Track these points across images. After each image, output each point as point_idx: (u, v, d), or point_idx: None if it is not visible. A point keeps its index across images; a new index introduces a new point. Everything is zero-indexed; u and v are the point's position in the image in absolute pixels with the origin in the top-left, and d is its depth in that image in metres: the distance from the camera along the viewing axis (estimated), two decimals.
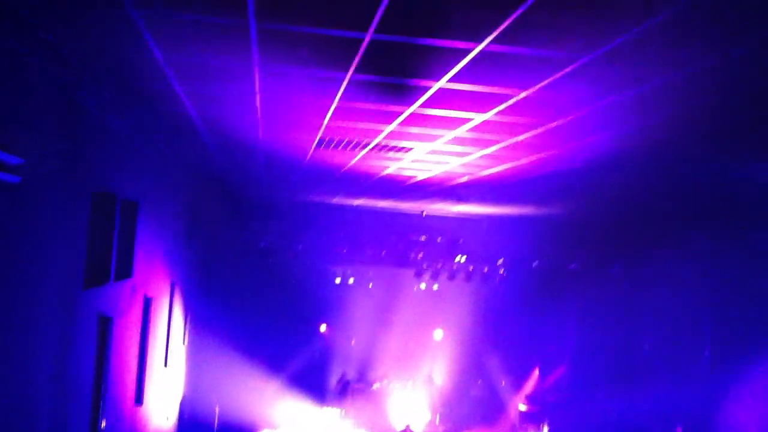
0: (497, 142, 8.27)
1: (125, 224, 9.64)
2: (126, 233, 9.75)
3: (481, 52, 4.78)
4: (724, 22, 4.05)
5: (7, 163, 5.04)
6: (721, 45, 4.43)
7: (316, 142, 9.17)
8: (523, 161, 9.51)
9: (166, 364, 14.79)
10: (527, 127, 7.32)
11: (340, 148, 9.50)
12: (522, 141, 8.03)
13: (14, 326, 5.86)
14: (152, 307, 12.34)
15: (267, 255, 20.37)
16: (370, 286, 22.14)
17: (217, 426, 19.67)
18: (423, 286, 21.62)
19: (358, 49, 4.90)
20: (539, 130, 7.40)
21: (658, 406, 17.73)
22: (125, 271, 9.96)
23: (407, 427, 21.21)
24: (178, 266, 15.55)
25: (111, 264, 9.04)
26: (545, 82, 5.47)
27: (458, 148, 8.93)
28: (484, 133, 7.80)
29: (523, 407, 22.15)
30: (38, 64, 5.93)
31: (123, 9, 4.41)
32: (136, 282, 10.77)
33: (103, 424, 9.10)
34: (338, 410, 21.83)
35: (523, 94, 5.92)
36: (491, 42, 4.57)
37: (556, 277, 21.02)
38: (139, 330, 11.54)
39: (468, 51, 4.81)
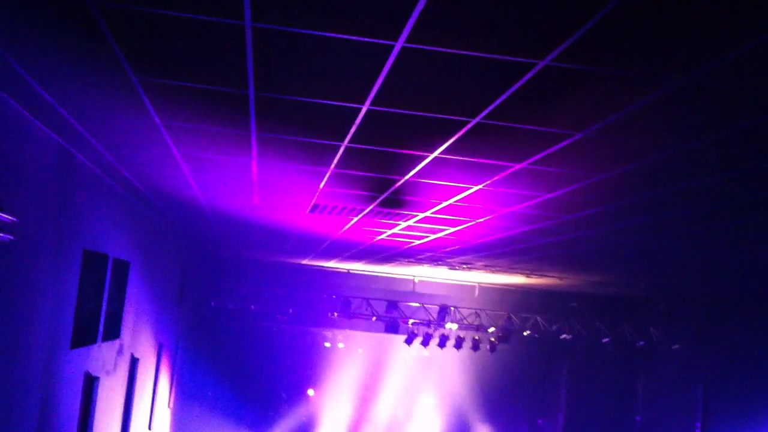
0: (491, 212, 8.33)
1: (116, 284, 9.60)
2: (116, 293, 9.71)
3: (476, 125, 4.86)
4: (723, 101, 4.13)
5: (0, 221, 5.04)
6: (723, 122, 4.52)
7: (310, 207, 9.22)
8: (515, 231, 9.56)
9: (150, 427, 14.55)
10: (521, 199, 7.38)
11: (334, 213, 9.54)
12: (515, 211, 8.08)
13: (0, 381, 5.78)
14: (139, 368, 12.20)
15: (257, 318, 20.24)
16: (360, 352, 21.95)
17: None
18: (414, 353, 21.44)
19: (354, 119, 4.97)
20: (532, 202, 7.46)
21: None
22: (113, 331, 9.88)
23: None
24: (166, 328, 15.42)
25: (99, 323, 8.97)
26: (539, 155, 5.53)
27: (452, 217, 8.99)
28: (478, 204, 7.85)
29: None
30: (36, 123, 5.99)
31: (125, 74, 4.48)
32: (123, 342, 10.67)
33: None
34: None
35: (516, 167, 5.99)
36: (486, 117, 4.64)
37: (547, 347, 20.89)
38: (125, 391, 11.38)
39: (463, 124, 4.88)
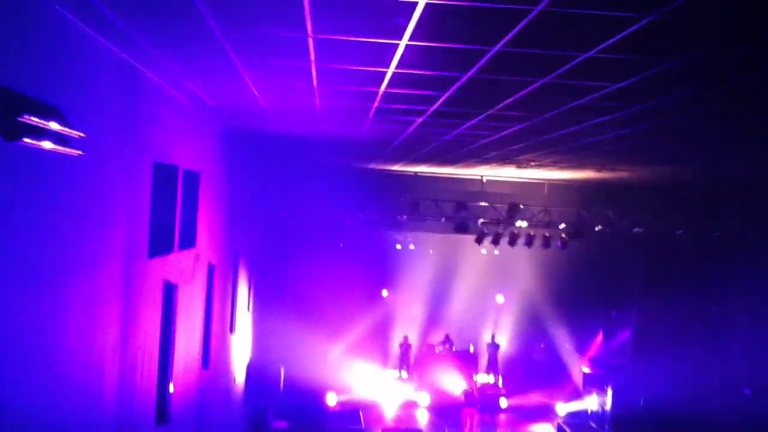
0: (558, 106, 8.10)
1: (188, 194, 9.78)
2: (188, 203, 9.90)
3: (539, 13, 4.65)
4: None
5: (70, 138, 5.13)
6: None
7: (373, 111, 9.12)
8: (584, 124, 9.31)
9: (232, 330, 15.10)
10: (588, 90, 7.14)
11: (397, 116, 9.43)
12: (583, 104, 7.83)
13: (82, 295, 6.02)
14: (216, 275, 12.56)
15: (327, 223, 20.50)
16: (431, 252, 22.13)
17: (283, 388, 20.08)
18: (484, 251, 21.48)
19: (412, 12, 4.82)
20: (600, 93, 7.20)
21: (726, 369, 17.40)
22: (189, 240, 10.14)
23: (468, 388, 21.29)
24: (241, 235, 15.78)
25: (174, 233, 9.20)
26: (608, 42, 5.30)
27: (518, 113, 8.77)
28: (544, 98, 7.63)
29: (586, 370, 22.00)
30: (99, 39, 6.01)
31: None
32: (199, 250, 10.96)
33: (171, 388, 9.35)
34: (400, 373, 22.03)
35: (583, 57, 5.75)
36: (549, 3, 4.44)
37: (620, 241, 20.65)
38: (204, 297, 11.77)
39: (526, 12, 4.68)
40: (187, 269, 10.29)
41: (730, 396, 17.19)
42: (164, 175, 8.53)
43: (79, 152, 5.23)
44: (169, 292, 9.23)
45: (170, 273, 9.23)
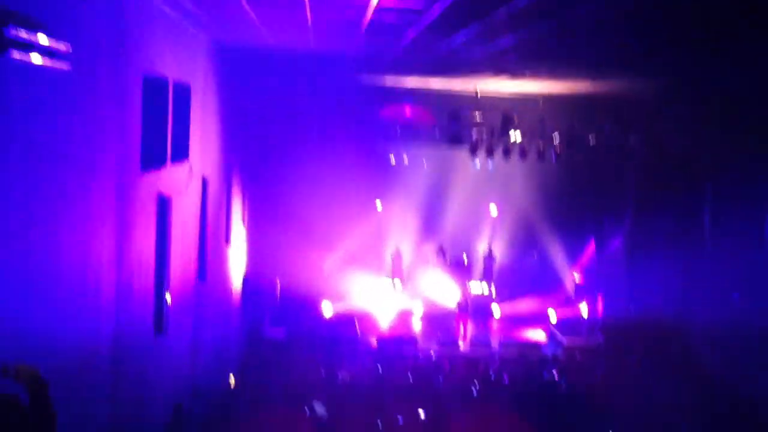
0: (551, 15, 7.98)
1: (179, 107, 9.72)
2: (180, 116, 9.85)
3: None
4: None
5: (57, 52, 5.08)
6: None
7: (365, 25, 8.98)
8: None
9: (227, 242, 15.26)
10: None
11: (391, 27, 9.30)
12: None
13: (76, 209, 6.07)
14: (210, 187, 12.60)
15: (323, 138, 20.40)
16: (425, 165, 22.08)
17: (279, 299, 20.40)
18: (478, 164, 21.44)
19: None
20: None
21: (715, 276, 17.63)
22: (181, 154, 10.13)
23: (462, 297, 21.66)
24: (235, 149, 15.75)
25: (167, 146, 9.19)
26: None
27: (515, 23, 8.64)
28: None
29: (578, 279, 22.35)
30: None
31: None
32: (193, 163, 10.96)
33: (168, 299, 9.52)
34: (394, 282, 22.33)
35: None
36: None
37: (613, 154, 20.63)
38: (199, 209, 11.84)
39: None
40: (181, 182, 10.33)
41: (719, 303, 17.46)
42: (154, 88, 8.46)
43: (67, 66, 5.19)
44: (163, 205, 9.29)
45: (164, 185, 9.26)
